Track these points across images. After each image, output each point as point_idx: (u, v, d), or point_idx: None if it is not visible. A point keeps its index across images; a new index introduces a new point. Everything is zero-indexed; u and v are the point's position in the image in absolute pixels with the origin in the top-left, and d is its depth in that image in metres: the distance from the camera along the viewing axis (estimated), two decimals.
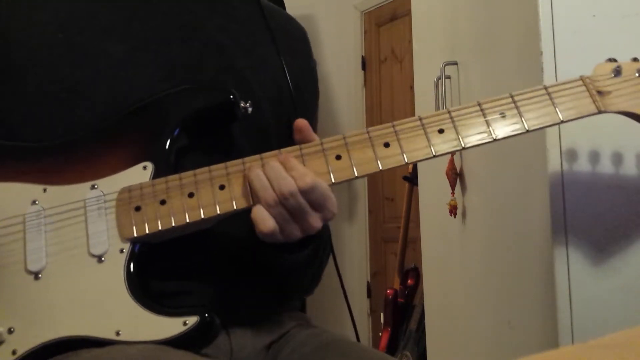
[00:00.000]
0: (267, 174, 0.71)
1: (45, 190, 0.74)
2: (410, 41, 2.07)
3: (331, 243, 0.92)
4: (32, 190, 0.74)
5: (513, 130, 0.75)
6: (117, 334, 0.68)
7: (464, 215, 1.58)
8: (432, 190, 1.83)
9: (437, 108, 1.63)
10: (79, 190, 0.73)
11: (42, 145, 0.76)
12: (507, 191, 1.30)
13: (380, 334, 2.73)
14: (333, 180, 0.73)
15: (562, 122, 0.76)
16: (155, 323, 0.69)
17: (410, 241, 2.79)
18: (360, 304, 3.38)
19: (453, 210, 1.59)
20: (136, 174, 0.74)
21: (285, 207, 0.70)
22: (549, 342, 1.04)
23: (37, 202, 0.73)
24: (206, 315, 0.69)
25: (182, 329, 0.68)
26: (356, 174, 0.74)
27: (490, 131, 0.75)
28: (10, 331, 0.69)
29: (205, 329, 0.69)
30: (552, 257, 1.01)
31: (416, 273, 2.71)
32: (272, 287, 0.85)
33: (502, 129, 0.75)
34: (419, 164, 2.01)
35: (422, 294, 2.19)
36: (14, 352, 0.68)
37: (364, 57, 3.53)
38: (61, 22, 0.79)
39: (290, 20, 0.99)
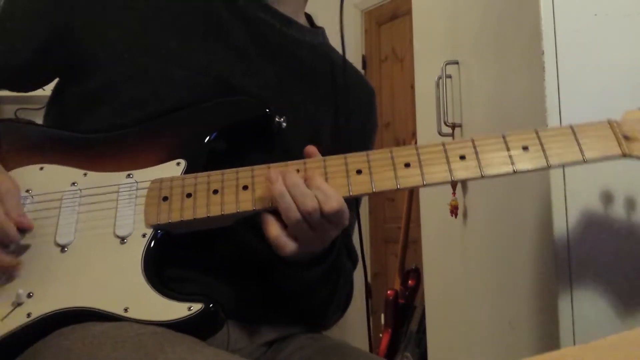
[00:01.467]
0: (291, 192, 0.73)
1: (85, 174, 0.80)
2: (411, 40, 2.07)
3: (351, 293, 0.97)
4: (74, 173, 0.80)
5: (534, 166, 0.76)
6: (125, 310, 0.72)
7: (465, 215, 1.58)
8: (433, 191, 1.83)
9: (438, 107, 1.63)
10: (116, 178, 0.80)
11: (89, 137, 0.83)
12: (508, 191, 1.29)
13: (381, 335, 2.72)
14: (351, 194, 0.76)
15: (585, 161, 0.77)
16: (162, 305, 0.73)
17: (411, 242, 2.79)
18: (361, 304, 3.38)
19: (454, 210, 1.59)
20: (170, 168, 0.80)
21: (308, 222, 0.73)
22: (550, 343, 1.04)
23: (76, 184, 0.79)
24: (211, 305, 0.73)
25: (186, 313, 0.72)
26: (374, 190, 0.76)
27: (511, 163, 0.76)
28: (29, 295, 0.74)
29: (208, 318, 0.73)
30: (553, 257, 1.00)
31: (417, 274, 2.71)
32: (279, 298, 0.86)
33: (524, 162, 0.76)
34: None
35: (423, 294, 2.19)
36: (28, 315, 0.73)
37: (364, 56, 3.53)
38: (129, 43, 0.85)
39: (361, 81, 1.04)
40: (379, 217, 3.40)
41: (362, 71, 3.52)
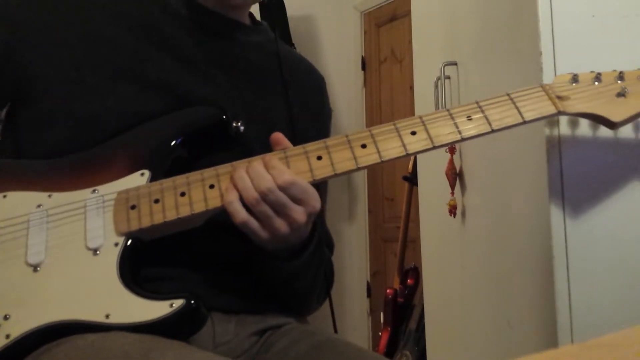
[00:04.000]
0: (249, 174, 0.76)
1: (50, 196, 0.80)
2: (410, 41, 2.07)
3: (331, 280, 0.97)
4: (38, 196, 0.80)
5: (479, 131, 0.83)
6: (107, 317, 0.72)
7: (463, 215, 1.58)
8: (432, 190, 1.83)
9: (437, 108, 1.63)
10: (81, 195, 0.80)
11: (49, 162, 0.82)
12: (506, 191, 1.30)
13: (380, 333, 2.73)
14: (314, 178, 0.79)
15: (525, 121, 0.84)
16: (143, 306, 0.73)
17: (410, 241, 2.80)
18: (360, 303, 3.39)
19: (452, 210, 1.60)
20: (134, 179, 0.80)
21: (267, 203, 0.75)
22: (548, 341, 1.04)
23: (41, 206, 0.79)
24: (192, 301, 0.74)
25: (168, 310, 0.72)
26: (335, 172, 0.79)
27: (458, 131, 0.82)
28: (5, 318, 0.73)
29: (190, 313, 0.74)
30: (551, 257, 1.01)
31: (416, 273, 2.71)
32: (262, 288, 0.88)
33: (469, 130, 0.83)
34: (418, 164, 2.01)
35: (422, 293, 2.20)
36: (7, 336, 0.72)
37: (363, 58, 3.53)
38: (77, 61, 0.85)
39: (309, 71, 1.05)
40: (378, 217, 3.40)
41: (362, 72, 3.52)
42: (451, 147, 1.58)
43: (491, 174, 1.40)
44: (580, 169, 1.00)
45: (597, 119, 0.88)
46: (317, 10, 3.46)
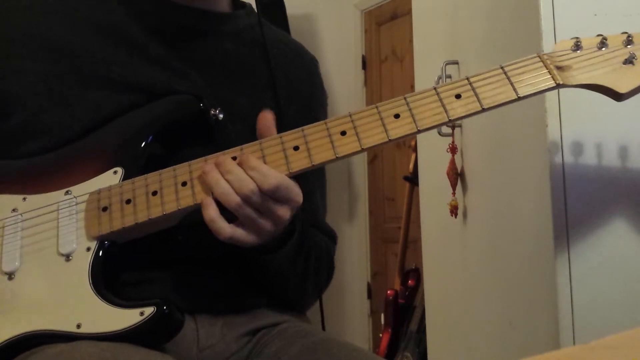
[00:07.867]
0: (226, 178, 0.72)
1: (24, 199, 0.79)
2: (411, 40, 2.06)
3: (331, 265, 0.94)
4: (12, 200, 0.79)
5: (467, 111, 0.76)
6: (78, 326, 0.72)
7: (464, 215, 1.58)
8: (433, 191, 1.83)
9: None
10: (55, 197, 0.78)
11: (23, 162, 0.81)
12: (508, 191, 1.29)
13: (381, 334, 2.72)
14: (290, 171, 0.74)
15: (519, 98, 0.77)
16: (114, 315, 0.72)
17: (410, 241, 2.79)
18: (361, 304, 3.38)
19: (454, 210, 1.59)
20: (107, 178, 0.78)
21: (251, 206, 0.72)
22: (550, 342, 1.04)
23: (16, 210, 0.78)
24: (165, 307, 0.72)
25: (139, 319, 0.71)
26: (313, 163, 0.75)
27: (445, 112, 0.76)
28: None
29: (162, 320, 0.72)
30: (553, 257, 1.00)
31: (417, 274, 2.71)
32: (250, 284, 0.86)
33: (457, 110, 0.76)
34: (419, 164, 2.01)
35: (423, 294, 2.19)
36: None
37: (364, 57, 3.53)
38: (42, 73, 0.83)
39: (297, 55, 0.98)
40: (379, 217, 3.40)
41: (362, 71, 3.52)
42: (452, 147, 1.58)
43: (493, 174, 1.39)
44: (583, 168, 1.00)
45: (602, 90, 0.80)
46: (317, 9, 3.45)
